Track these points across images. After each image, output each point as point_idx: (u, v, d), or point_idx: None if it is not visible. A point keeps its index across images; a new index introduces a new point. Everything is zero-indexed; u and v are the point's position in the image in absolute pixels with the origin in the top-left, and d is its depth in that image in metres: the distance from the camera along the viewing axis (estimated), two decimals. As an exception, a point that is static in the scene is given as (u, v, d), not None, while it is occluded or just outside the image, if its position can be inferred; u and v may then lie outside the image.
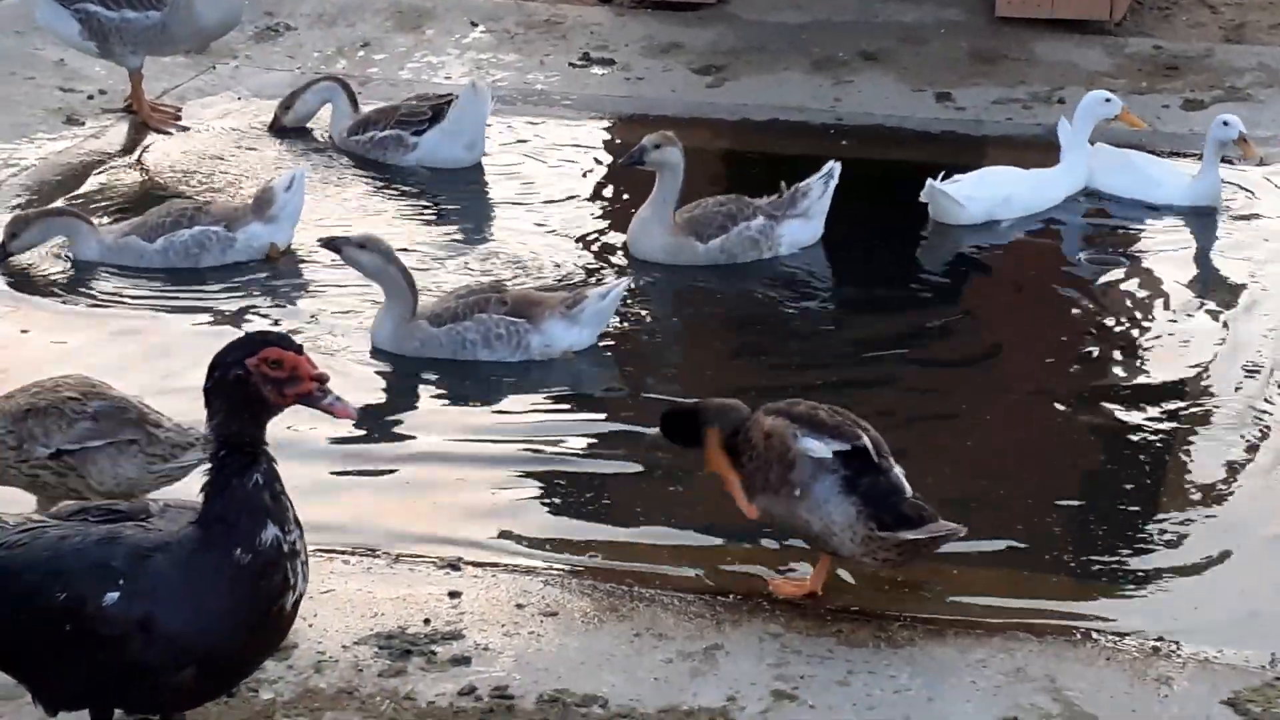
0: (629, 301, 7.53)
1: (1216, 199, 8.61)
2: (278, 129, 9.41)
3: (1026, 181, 8.65)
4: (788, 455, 5.22)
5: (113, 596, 3.93)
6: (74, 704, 4.16)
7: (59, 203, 8.36)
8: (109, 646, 3.96)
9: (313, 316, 7.40)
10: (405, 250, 7.69)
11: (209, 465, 4.02)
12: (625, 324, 7.40)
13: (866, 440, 5.23)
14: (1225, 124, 8.43)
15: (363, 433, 6.46)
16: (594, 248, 8.21)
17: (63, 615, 3.97)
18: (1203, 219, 8.56)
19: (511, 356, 6.97)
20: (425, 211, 8.67)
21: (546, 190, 8.91)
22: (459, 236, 8.36)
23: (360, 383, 6.81)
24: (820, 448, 5.21)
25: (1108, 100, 8.77)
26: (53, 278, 7.75)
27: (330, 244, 7.16)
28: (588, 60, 10.57)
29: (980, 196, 8.49)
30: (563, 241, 8.28)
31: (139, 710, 4.25)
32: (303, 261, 7.98)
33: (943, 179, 8.44)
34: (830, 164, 8.18)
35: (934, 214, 8.47)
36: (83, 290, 7.64)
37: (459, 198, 8.86)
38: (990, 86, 10.20)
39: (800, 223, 8.15)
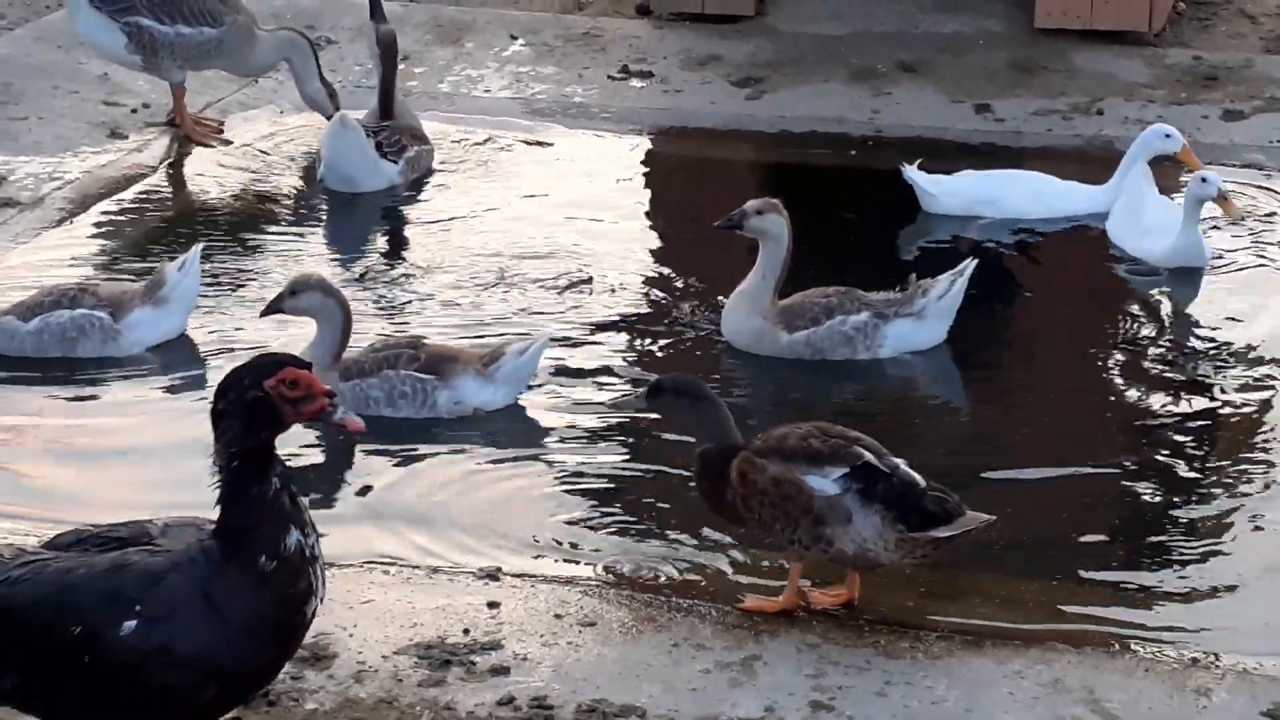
0: (689, 349, 7.27)
1: (1200, 258, 8.08)
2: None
3: (1029, 188, 8.67)
4: (801, 497, 5.22)
5: (130, 625, 3.95)
6: None
7: (92, 214, 8.42)
8: (129, 675, 3.96)
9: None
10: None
11: (221, 478, 4.05)
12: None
13: (866, 454, 5.25)
14: (1204, 180, 7.95)
15: (399, 445, 6.49)
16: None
17: (78, 648, 3.97)
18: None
19: (418, 414, 6.61)
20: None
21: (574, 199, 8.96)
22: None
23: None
24: (827, 485, 5.23)
25: (1168, 136, 8.50)
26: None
27: (269, 311, 6.77)
28: (626, 73, 10.60)
29: (957, 192, 8.63)
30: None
31: None
32: (196, 357, 7.22)
33: (918, 166, 8.65)
34: (965, 262, 7.28)
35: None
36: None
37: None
38: (1029, 97, 10.19)
39: (912, 324, 7.25)
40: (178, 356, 7.18)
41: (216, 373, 6.94)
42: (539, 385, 6.94)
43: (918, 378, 7.24)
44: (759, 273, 7.16)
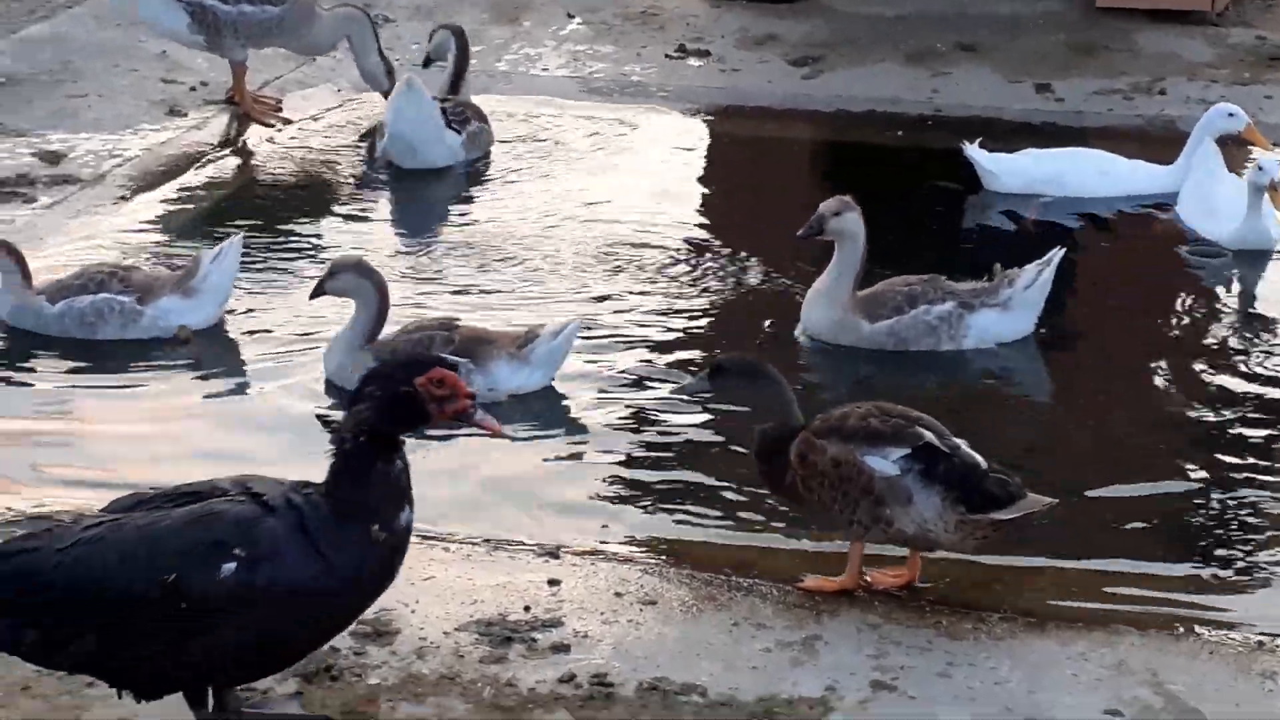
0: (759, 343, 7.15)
1: (1266, 241, 8.00)
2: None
3: (1093, 167, 8.61)
4: (861, 478, 5.20)
5: (229, 567, 4.05)
6: (175, 687, 4.22)
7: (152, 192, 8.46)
8: (225, 618, 4.05)
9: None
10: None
11: (340, 448, 4.20)
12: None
13: (927, 434, 5.23)
14: (1260, 169, 7.86)
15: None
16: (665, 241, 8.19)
17: (172, 597, 4.03)
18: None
19: None
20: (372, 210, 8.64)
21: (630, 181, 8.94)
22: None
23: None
24: (887, 466, 5.21)
25: (1231, 115, 8.46)
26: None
27: (316, 294, 6.74)
28: (684, 52, 10.58)
29: (1019, 170, 8.57)
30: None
31: (241, 681, 4.33)
32: (223, 347, 7.08)
33: (978, 145, 8.61)
34: (1052, 251, 7.12)
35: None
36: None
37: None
38: (1090, 77, 10.12)
39: (997, 314, 7.08)
40: (214, 340, 7.12)
41: (250, 351, 6.99)
42: (599, 365, 6.94)
43: (1001, 369, 7.10)
44: (835, 270, 7.01)
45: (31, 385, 6.79)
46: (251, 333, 7.20)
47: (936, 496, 5.18)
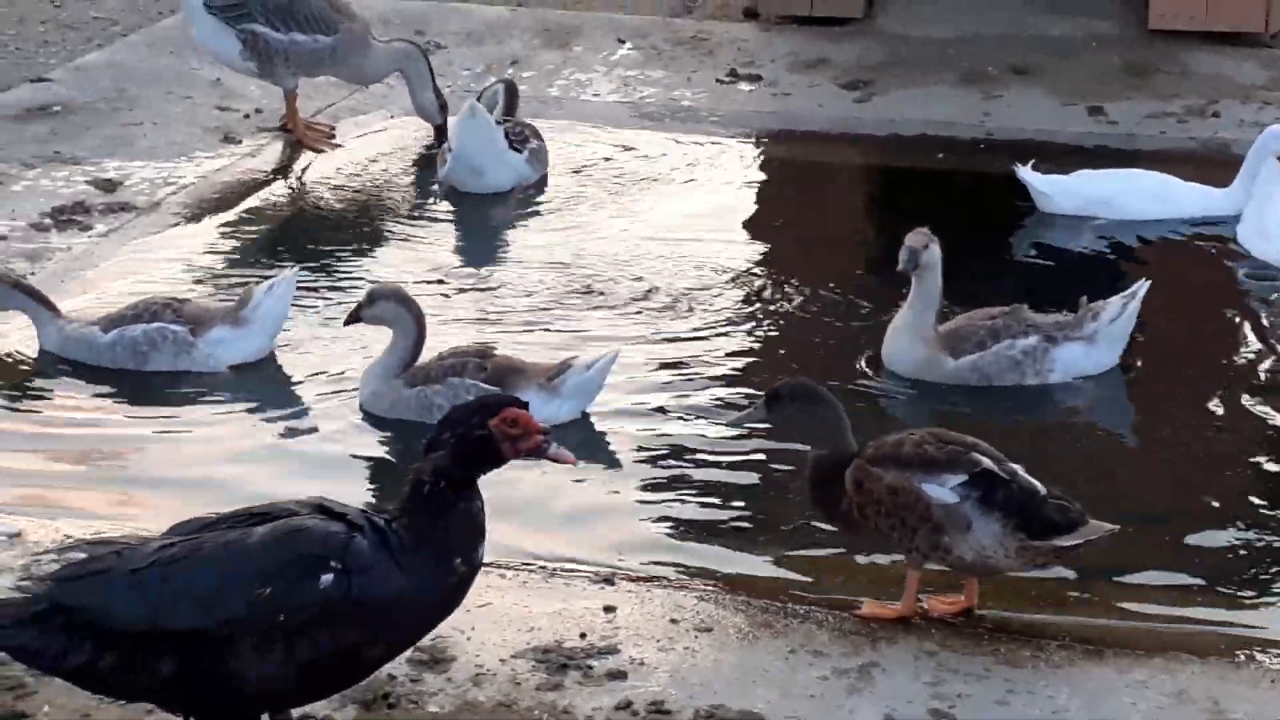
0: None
1: None
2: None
3: (1149, 189, 8.56)
4: (919, 506, 5.18)
5: (327, 579, 4.13)
6: (247, 711, 4.23)
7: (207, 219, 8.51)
8: (317, 631, 4.12)
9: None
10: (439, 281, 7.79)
11: (420, 492, 4.27)
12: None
13: (984, 460, 5.21)
14: None
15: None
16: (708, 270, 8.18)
17: (265, 612, 4.08)
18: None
19: None
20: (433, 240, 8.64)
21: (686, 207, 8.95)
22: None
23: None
24: (944, 493, 5.19)
25: None
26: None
27: (350, 320, 6.81)
28: (735, 76, 10.59)
29: (1073, 192, 8.53)
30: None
31: (307, 702, 4.36)
32: (273, 377, 7.07)
33: (1032, 167, 8.58)
34: (1137, 285, 7.02)
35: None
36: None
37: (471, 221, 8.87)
38: (1143, 100, 10.08)
39: (1083, 347, 6.98)
40: (264, 374, 7.11)
41: (304, 390, 6.99)
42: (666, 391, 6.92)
43: (1083, 401, 7.00)
44: (917, 305, 6.91)
45: (79, 415, 6.80)
46: (301, 362, 7.21)
47: (996, 523, 5.15)
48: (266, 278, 7.34)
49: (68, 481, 6.31)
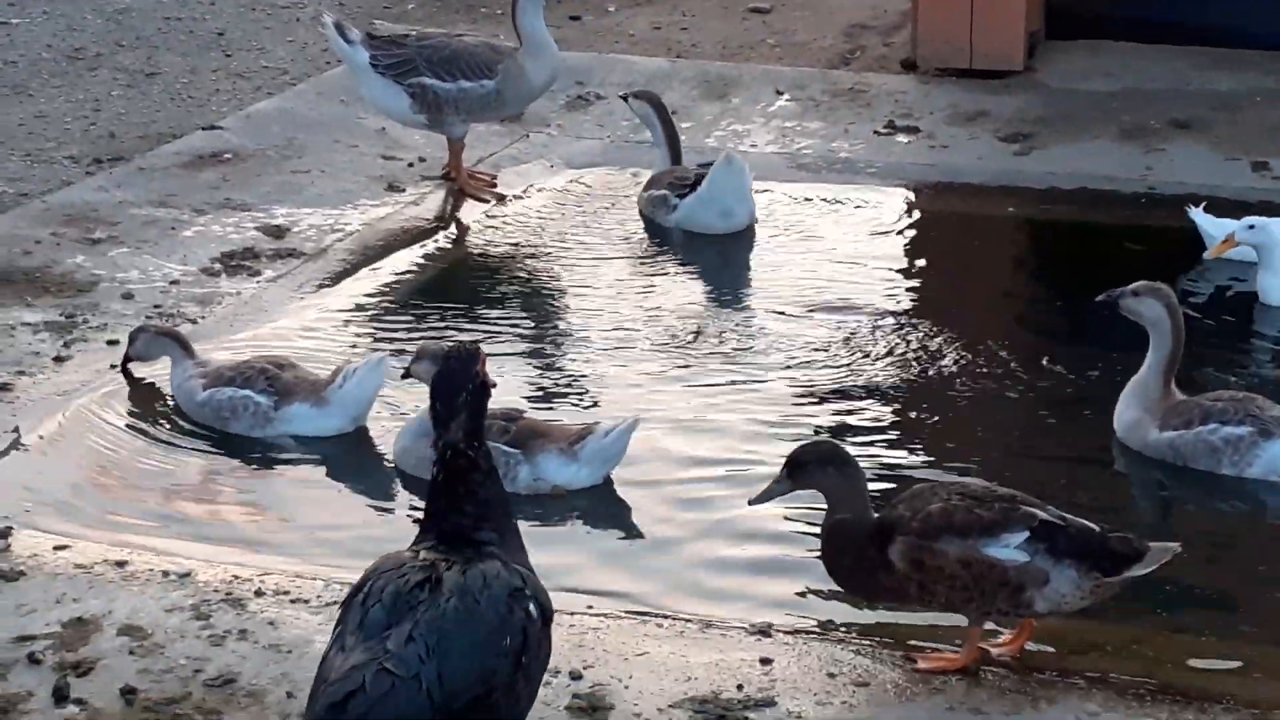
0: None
1: None
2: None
3: None
4: (994, 573, 5.17)
5: (534, 608, 4.26)
6: None
7: (372, 267, 8.67)
8: (531, 661, 4.24)
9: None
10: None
11: (475, 468, 4.39)
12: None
13: (1039, 512, 5.21)
14: None
15: (671, 503, 6.56)
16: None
17: (516, 659, 4.19)
18: None
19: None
20: (663, 273, 8.78)
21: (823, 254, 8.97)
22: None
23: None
24: (1015, 554, 5.18)
25: None
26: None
27: (405, 376, 6.91)
28: (893, 128, 10.59)
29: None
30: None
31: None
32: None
33: (1204, 209, 8.55)
34: None
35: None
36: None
37: (701, 261, 9.00)
38: (1308, 155, 9.95)
39: None
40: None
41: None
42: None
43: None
44: (1147, 363, 6.74)
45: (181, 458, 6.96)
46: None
47: (1070, 569, 5.18)
48: (421, 329, 7.43)
49: (233, 523, 6.46)
